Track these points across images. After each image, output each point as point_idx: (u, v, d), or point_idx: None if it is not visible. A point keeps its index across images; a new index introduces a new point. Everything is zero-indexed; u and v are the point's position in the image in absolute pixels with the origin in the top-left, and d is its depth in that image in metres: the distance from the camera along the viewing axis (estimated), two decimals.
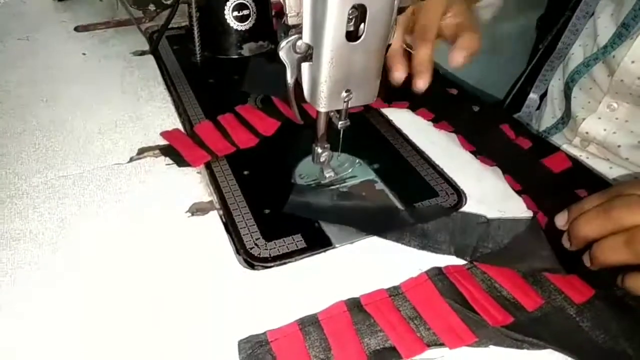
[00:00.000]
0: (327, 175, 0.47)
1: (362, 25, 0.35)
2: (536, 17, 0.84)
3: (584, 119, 0.58)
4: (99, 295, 0.36)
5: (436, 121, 0.56)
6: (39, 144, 0.51)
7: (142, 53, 0.69)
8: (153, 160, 0.49)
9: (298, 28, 0.36)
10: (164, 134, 0.52)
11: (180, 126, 0.54)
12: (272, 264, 0.39)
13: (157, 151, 0.50)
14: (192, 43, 0.67)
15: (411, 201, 0.45)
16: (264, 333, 0.33)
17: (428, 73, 0.50)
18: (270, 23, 0.71)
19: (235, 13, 0.66)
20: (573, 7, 0.62)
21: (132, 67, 0.65)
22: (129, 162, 0.49)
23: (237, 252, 0.40)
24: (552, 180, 0.47)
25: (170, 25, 0.69)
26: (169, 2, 0.66)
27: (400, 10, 0.40)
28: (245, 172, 0.48)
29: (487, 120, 0.55)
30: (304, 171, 0.48)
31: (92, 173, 0.47)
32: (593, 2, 0.59)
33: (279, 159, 0.51)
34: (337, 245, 0.41)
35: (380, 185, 0.47)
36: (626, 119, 0.54)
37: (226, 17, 0.66)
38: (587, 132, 0.58)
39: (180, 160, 0.48)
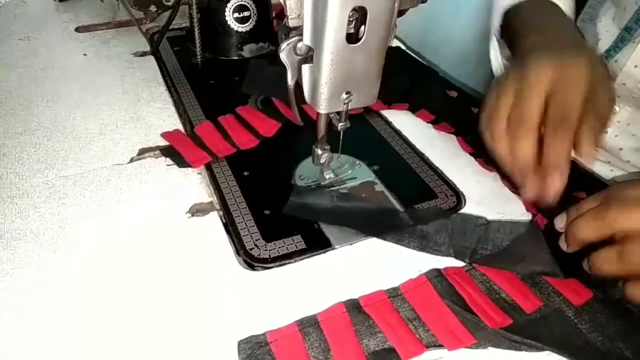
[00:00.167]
0: (327, 177, 0.47)
1: (362, 28, 0.35)
2: None
3: None
4: (99, 295, 0.36)
5: (436, 123, 0.56)
6: (40, 144, 0.51)
7: (143, 54, 0.69)
8: (153, 161, 0.49)
9: (299, 30, 0.36)
10: (165, 135, 0.52)
11: (180, 127, 0.54)
12: (272, 265, 0.39)
13: (157, 152, 0.50)
14: (192, 44, 0.67)
15: (410, 203, 0.45)
16: (264, 334, 0.33)
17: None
18: (270, 25, 0.71)
19: (236, 14, 0.66)
20: (577, 12, 0.62)
21: (132, 67, 0.65)
22: (129, 162, 0.49)
23: (237, 252, 0.40)
24: None
25: (171, 27, 0.69)
26: (169, 3, 0.66)
27: (400, 13, 0.40)
28: (246, 173, 0.48)
29: None
30: (304, 172, 0.48)
31: (93, 173, 0.47)
32: (597, 6, 0.59)
33: (279, 160, 0.51)
34: (336, 247, 0.41)
35: (379, 187, 0.47)
36: (628, 122, 0.54)
37: (227, 18, 0.66)
38: None
39: (180, 161, 0.48)
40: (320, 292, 0.37)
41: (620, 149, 0.56)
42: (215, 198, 0.45)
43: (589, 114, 0.40)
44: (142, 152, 0.50)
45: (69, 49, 0.70)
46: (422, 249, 0.40)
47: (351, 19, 0.35)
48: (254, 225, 0.42)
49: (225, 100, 0.59)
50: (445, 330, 0.34)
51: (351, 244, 0.41)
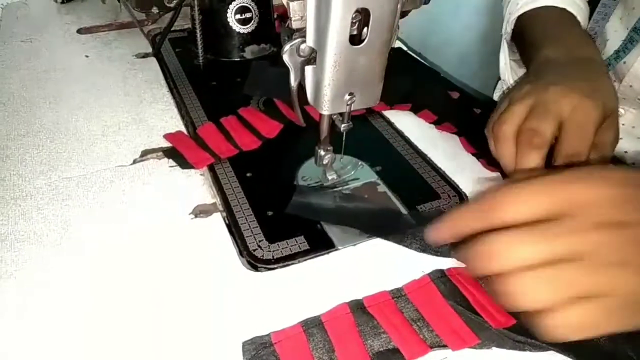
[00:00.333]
0: (330, 178, 0.47)
1: (365, 29, 0.35)
2: None
3: None
4: (102, 296, 0.36)
5: (438, 123, 0.56)
6: (43, 146, 0.51)
7: (145, 55, 0.69)
8: (156, 162, 0.49)
9: (302, 31, 0.36)
10: (167, 136, 0.52)
11: (183, 128, 0.54)
12: (275, 266, 0.39)
13: (160, 153, 0.50)
14: (194, 46, 0.67)
15: (413, 203, 0.45)
16: (268, 335, 0.34)
17: None
18: (272, 26, 0.71)
19: (238, 16, 0.66)
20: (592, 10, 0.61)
21: (135, 69, 0.66)
22: (132, 164, 0.49)
23: (241, 254, 0.40)
24: None
25: (172, 28, 0.69)
26: (171, 5, 0.66)
27: (403, 14, 0.40)
28: (248, 174, 0.48)
29: None
30: (307, 173, 0.48)
31: (96, 175, 0.47)
32: (611, 4, 0.58)
33: (281, 161, 0.51)
34: (339, 247, 0.41)
35: (382, 188, 0.47)
36: (633, 125, 0.54)
37: (228, 19, 0.66)
38: None
39: (183, 163, 0.49)
40: (323, 293, 0.37)
41: (625, 152, 0.56)
42: (218, 199, 0.45)
43: (595, 153, 0.43)
44: (145, 153, 0.50)
45: (71, 50, 0.70)
46: (423, 250, 0.40)
47: (354, 21, 0.35)
48: (257, 226, 0.42)
49: (227, 101, 0.60)
50: (449, 331, 0.34)
51: (354, 245, 0.41)
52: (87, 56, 0.69)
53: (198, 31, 0.66)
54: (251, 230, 0.42)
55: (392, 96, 0.58)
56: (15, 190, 0.45)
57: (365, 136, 0.54)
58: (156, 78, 0.64)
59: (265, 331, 0.34)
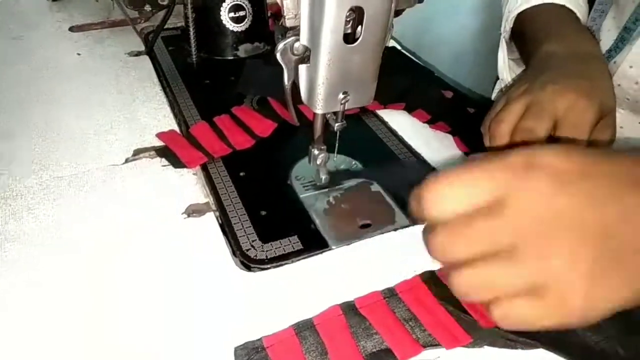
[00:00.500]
0: (323, 177, 0.46)
1: (359, 28, 0.35)
2: None
3: None
4: (94, 296, 0.36)
5: (432, 123, 0.56)
6: (34, 145, 0.50)
7: (138, 54, 0.68)
8: (149, 162, 0.49)
9: (295, 30, 0.36)
10: (160, 135, 0.52)
11: (176, 127, 0.54)
12: (268, 266, 0.39)
13: (152, 152, 0.50)
14: (187, 44, 0.67)
15: (406, 203, 0.45)
16: (260, 339, 0.33)
17: None
18: (266, 24, 0.71)
19: (231, 14, 0.66)
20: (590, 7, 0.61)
21: (127, 67, 0.65)
22: (124, 163, 0.48)
23: (234, 253, 0.40)
24: None
25: (165, 26, 0.69)
26: (164, 3, 0.66)
27: (397, 13, 0.40)
28: (242, 174, 0.48)
29: None
30: (300, 173, 0.48)
31: (88, 174, 0.47)
32: (607, 1, 0.58)
33: (275, 160, 0.51)
34: (333, 247, 0.41)
35: (376, 187, 0.47)
36: (621, 125, 0.54)
37: (222, 18, 0.66)
38: None
39: (176, 162, 0.48)
40: (317, 293, 0.37)
41: None
42: (211, 199, 0.45)
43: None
44: (137, 152, 0.50)
45: (63, 48, 0.69)
46: None
47: (348, 19, 0.34)
48: (250, 226, 0.42)
49: (220, 100, 0.59)
50: (442, 330, 0.34)
51: (348, 245, 0.41)
52: (79, 54, 0.68)
53: (191, 29, 0.65)
54: (244, 230, 0.42)
55: (386, 95, 0.58)
56: (6, 189, 0.45)
57: (359, 135, 0.54)
58: (149, 76, 0.63)
59: (258, 332, 0.34)
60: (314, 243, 0.41)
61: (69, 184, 0.46)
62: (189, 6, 0.64)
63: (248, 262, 0.39)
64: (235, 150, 0.50)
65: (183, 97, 0.59)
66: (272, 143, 0.52)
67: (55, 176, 0.46)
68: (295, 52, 0.37)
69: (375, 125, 0.56)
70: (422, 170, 0.47)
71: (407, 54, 0.72)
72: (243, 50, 0.68)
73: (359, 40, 0.35)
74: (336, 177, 0.47)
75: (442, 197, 0.27)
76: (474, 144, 0.51)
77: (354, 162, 0.49)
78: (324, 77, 0.36)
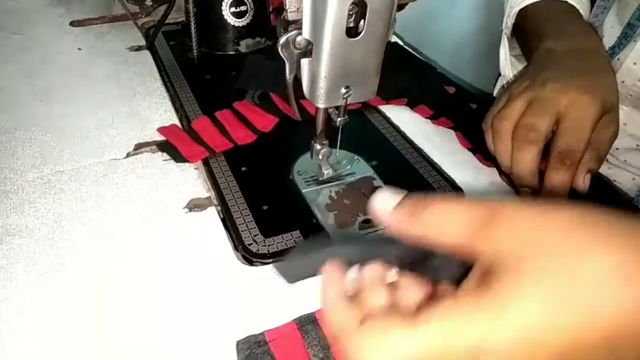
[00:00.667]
0: (326, 172, 0.46)
1: (362, 22, 0.35)
2: None
3: None
4: (95, 291, 0.36)
5: (434, 118, 0.56)
6: (35, 139, 0.50)
7: (139, 48, 0.68)
8: (150, 156, 0.49)
9: (298, 24, 0.36)
10: (161, 130, 0.51)
11: (177, 122, 0.54)
12: (270, 260, 0.39)
13: (154, 147, 0.50)
14: (188, 39, 0.67)
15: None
16: (262, 333, 0.33)
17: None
18: (267, 19, 0.70)
19: (233, 9, 0.65)
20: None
21: (128, 62, 0.65)
22: (125, 157, 0.48)
23: (235, 248, 0.40)
24: None
25: (166, 21, 0.68)
26: None
27: (400, 7, 0.40)
28: (243, 169, 0.48)
29: None
30: (302, 168, 0.48)
31: (89, 168, 0.47)
32: None
33: (277, 155, 0.51)
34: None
35: (378, 182, 0.47)
36: (624, 122, 0.54)
37: (223, 12, 0.65)
38: None
39: (177, 156, 0.48)
40: (319, 287, 0.36)
41: (617, 148, 0.56)
42: (213, 193, 0.45)
43: (591, 151, 0.43)
44: (139, 147, 0.50)
45: (64, 43, 0.69)
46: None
47: (351, 13, 0.34)
48: (252, 221, 0.42)
49: (221, 95, 0.59)
50: None
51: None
52: (79, 49, 0.68)
53: (192, 24, 0.65)
54: (246, 225, 0.42)
55: (388, 91, 0.57)
56: (7, 183, 0.45)
57: (361, 131, 0.54)
58: (150, 71, 0.63)
59: (260, 325, 0.34)
60: (316, 238, 0.41)
61: (70, 178, 0.46)
62: (190, 1, 0.64)
63: (250, 257, 0.39)
64: (236, 145, 0.50)
65: (184, 91, 0.59)
66: (274, 138, 0.52)
67: (57, 170, 0.46)
68: (298, 46, 0.37)
69: (378, 120, 0.56)
70: None
71: (409, 49, 0.71)
72: (244, 45, 0.68)
73: (361, 34, 0.35)
74: (338, 172, 0.47)
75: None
76: (476, 139, 0.51)
77: (356, 157, 0.49)
78: (327, 71, 0.36)
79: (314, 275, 0.28)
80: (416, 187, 0.46)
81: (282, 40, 0.37)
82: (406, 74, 0.62)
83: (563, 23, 0.52)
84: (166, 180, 0.46)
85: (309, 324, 0.34)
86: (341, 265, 0.27)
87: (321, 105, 0.38)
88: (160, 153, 0.49)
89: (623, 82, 0.52)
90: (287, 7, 0.36)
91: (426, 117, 0.56)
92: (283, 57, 0.37)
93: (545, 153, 0.43)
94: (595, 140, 0.44)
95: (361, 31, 0.35)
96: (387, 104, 0.58)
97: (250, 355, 0.32)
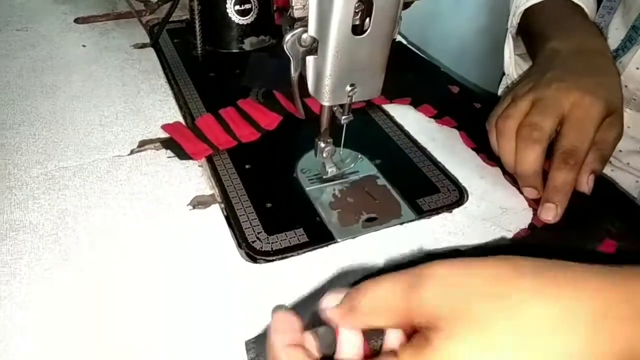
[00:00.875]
0: (329, 170, 0.46)
1: (367, 20, 0.35)
2: None
3: None
4: (98, 287, 0.36)
5: (438, 117, 0.56)
6: (39, 135, 0.50)
7: (143, 46, 0.68)
8: (154, 153, 0.49)
9: (303, 21, 0.36)
10: (165, 127, 0.51)
11: (181, 119, 0.54)
12: (274, 258, 0.39)
13: (158, 144, 0.50)
14: (193, 37, 0.67)
15: (413, 197, 0.45)
16: None
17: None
18: (271, 18, 0.70)
19: (237, 7, 0.65)
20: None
21: (132, 59, 0.65)
22: (129, 154, 0.48)
23: (239, 245, 0.40)
24: None
25: (171, 19, 0.69)
26: None
27: (406, 6, 0.40)
28: (247, 166, 0.48)
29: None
30: (306, 166, 0.48)
31: (93, 165, 0.47)
32: None
33: (281, 153, 0.51)
34: (339, 240, 0.41)
35: (382, 181, 0.47)
36: (628, 125, 0.54)
37: (228, 10, 0.65)
38: None
39: (181, 153, 0.48)
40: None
41: (620, 150, 0.56)
42: (217, 190, 0.45)
43: (595, 152, 0.43)
44: (143, 144, 0.50)
45: (68, 40, 0.69)
46: None
47: (357, 10, 0.34)
48: (255, 218, 0.42)
49: (225, 93, 0.59)
50: None
51: (353, 238, 0.41)
52: (84, 46, 0.68)
53: (197, 22, 0.65)
54: (250, 222, 0.42)
55: (392, 90, 0.57)
56: (11, 179, 0.45)
57: (364, 129, 0.54)
58: (154, 69, 0.63)
59: (264, 323, 0.34)
60: (320, 236, 0.41)
61: (74, 174, 0.46)
62: None
63: (254, 254, 0.39)
64: (240, 142, 0.50)
65: (188, 89, 0.59)
66: (278, 136, 0.52)
67: (61, 166, 0.46)
68: (303, 43, 0.37)
69: (381, 119, 0.56)
70: None
71: (412, 48, 0.71)
72: (248, 43, 0.68)
73: (367, 32, 0.35)
74: (342, 170, 0.47)
75: None
76: (480, 139, 0.51)
77: (360, 156, 0.49)
78: (332, 68, 0.36)
79: None
80: (419, 187, 0.46)
81: (288, 37, 0.36)
82: (410, 73, 0.62)
83: (568, 23, 0.52)
84: (170, 177, 0.46)
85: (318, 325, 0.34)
86: (291, 317, 0.27)
87: (326, 103, 0.38)
88: (164, 150, 0.49)
89: (626, 86, 0.52)
90: (293, 5, 0.36)
91: (430, 117, 0.56)
92: (288, 54, 0.37)
93: (550, 154, 0.43)
94: (599, 140, 0.43)
95: (367, 29, 0.35)
96: (391, 103, 0.58)
97: (261, 355, 0.32)
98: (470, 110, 0.57)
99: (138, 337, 0.33)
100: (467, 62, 1.11)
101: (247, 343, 0.32)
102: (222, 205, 0.43)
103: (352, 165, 0.48)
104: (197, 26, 0.65)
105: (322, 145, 0.44)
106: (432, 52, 0.75)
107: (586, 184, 0.43)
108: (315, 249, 0.40)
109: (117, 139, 0.50)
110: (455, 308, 0.22)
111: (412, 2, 0.41)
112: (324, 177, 0.46)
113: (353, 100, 0.39)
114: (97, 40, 0.69)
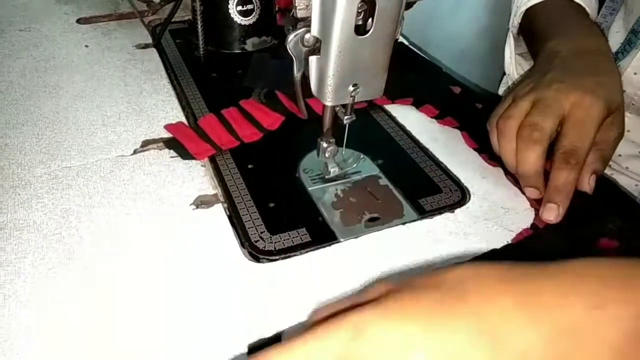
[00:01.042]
0: (332, 170, 0.46)
1: (370, 20, 0.35)
2: None
3: None
4: (102, 286, 0.36)
5: (440, 118, 0.56)
6: (42, 135, 0.50)
7: (145, 46, 0.68)
8: (157, 153, 0.49)
9: (306, 21, 0.36)
10: (168, 127, 0.52)
11: (183, 119, 0.54)
12: (276, 257, 0.39)
13: (161, 144, 0.50)
14: (195, 37, 0.67)
15: (415, 197, 0.45)
16: (278, 336, 0.33)
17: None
18: (274, 18, 0.70)
19: (239, 7, 0.65)
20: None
21: (135, 60, 0.65)
22: (132, 154, 0.49)
23: (242, 245, 0.40)
24: None
25: (173, 19, 0.69)
26: None
27: (408, 6, 0.40)
28: (250, 166, 0.48)
29: None
30: (309, 166, 0.48)
31: (96, 164, 0.47)
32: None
33: (283, 153, 0.51)
34: (341, 240, 0.41)
35: (384, 181, 0.47)
36: (628, 129, 0.54)
37: (230, 11, 0.65)
38: None
39: (184, 153, 0.48)
40: (325, 285, 0.37)
41: (619, 155, 0.56)
42: (220, 190, 0.45)
43: (596, 152, 0.43)
44: (146, 144, 0.50)
45: (71, 40, 0.69)
46: None
47: (360, 11, 0.34)
48: (258, 218, 0.42)
49: (228, 93, 0.59)
50: None
51: (356, 237, 0.41)
52: (86, 46, 0.68)
53: (199, 22, 0.65)
54: (253, 222, 0.42)
55: (394, 90, 0.57)
56: (15, 178, 0.45)
57: (366, 130, 0.54)
58: (156, 69, 0.63)
59: (268, 323, 0.34)
60: (322, 235, 0.41)
61: (78, 174, 0.46)
62: None
63: (256, 254, 0.39)
64: (243, 142, 0.50)
65: (191, 89, 0.59)
66: (280, 136, 0.52)
67: (64, 166, 0.47)
68: (306, 43, 0.37)
69: (383, 119, 0.56)
70: None
71: (414, 49, 0.71)
72: (250, 44, 0.68)
73: (370, 32, 0.35)
74: (344, 171, 0.47)
75: None
76: (481, 139, 0.51)
77: (362, 156, 0.49)
78: (335, 68, 0.36)
79: None
80: (422, 187, 0.46)
81: (291, 37, 0.37)
82: (412, 73, 0.62)
83: (569, 23, 0.52)
84: (173, 177, 0.46)
85: None
86: None
87: (329, 103, 0.39)
88: (167, 150, 0.49)
89: (625, 91, 0.52)
90: (296, 5, 0.36)
91: (432, 117, 0.56)
92: (291, 54, 0.37)
93: (551, 154, 0.43)
94: (599, 141, 0.44)
95: (370, 29, 0.35)
96: (393, 103, 0.58)
97: None
98: (472, 110, 0.57)
99: (141, 336, 0.33)
100: (469, 63, 1.11)
101: (250, 346, 0.32)
102: (225, 205, 0.44)
103: (354, 166, 0.48)
104: (199, 27, 0.66)
105: (325, 145, 0.45)
106: (434, 53, 0.75)
107: (587, 184, 0.43)
108: (317, 248, 0.40)
109: (120, 139, 0.50)
110: None
111: (414, 2, 0.42)
112: (327, 177, 0.47)
113: (355, 101, 0.39)
114: (100, 41, 0.70)
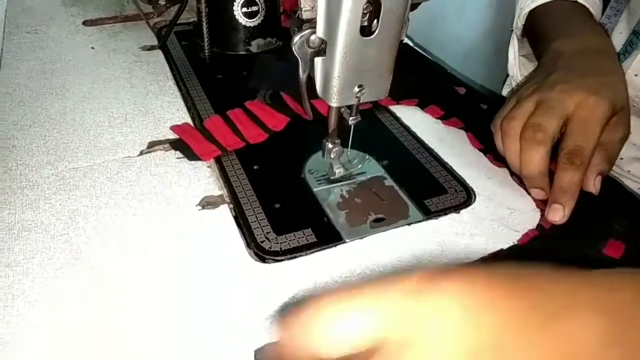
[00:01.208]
0: (337, 171, 0.47)
1: (375, 21, 0.35)
2: None
3: None
4: (109, 286, 0.36)
5: (445, 118, 0.56)
6: (49, 136, 0.51)
7: (151, 48, 0.69)
8: (163, 154, 0.49)
9: (312, 22, 0.36)
10: (174, 128, 0.52)
11: (189, 121, 0.54)
12: (282, 258, 0.39)
13: (167, 145, 0.50)
14: (200, 39, 0.67)
15: (420, 197, 0.45)
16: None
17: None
18: (278, 20, 0.71)
19: (244, 9, 0.66)
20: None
21: (140, 61, 0.65)
22: (139, 155, 0.49)
23: (248, 245, 0.40)
24: None
25: (178, 21, 0.69)
26: None
27: (413, 7, 0.40)
28: (255, 167, 0.48)
29: None
30: (314, 167, 0.48)
31: (103, 165, 0.47)
32: (622, 0, 0.58)
33: (288, 154, 0.51)
34: (347, 241, 0.41)
35: (389, 182, 0.47)
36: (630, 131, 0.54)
37: (235, 13, 0.66)
38: None
39: (190, 154, 0.49)
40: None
41: (621, 158, 0.56)
42: (226, 191, 0.45)
43: (601, 152, 0.43)
44: (152, 145, 0.50)
45: (77, 42, 0.70)
46: None
47: (365, 12, 0.34)
48: (264, 219, 0.42)
49: (233, 94, 0.59)
50: None
51: (361, 238, 0.41)
52: (92, 48, 0.68)
53: (204, 24, 0.66)
54: (258, 222, 0.42)
55: (399, 91, 0.57)
56: (22, 179, 0.45)
57: (372, 131, 0.54)
58: (162, 70, 0.64)
59: (273, 324, 0.34)
60: (328, 236, 0.41)
61: (85, 175, 0.46)
62: (202, 1, 0.64)
63: (262, 254, 0.39)
64: (248, 144, 0.51)
65: (196, 91, 0.60)
66: (286, 137, 0.52)
67: (71, 167, 0.47)
68: (312, 44, 0.37)
69: (388, 120, 0.56)
70: None
71: (419, 50, 0.72)
72: (255, 46, 0.69)
73: (375, 34, 0.35)
74: (349, 171, 0.47)
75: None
76: (486, 140, 0.51)
77: (367, 157, 0.49)
78: (340, 70, 0.36)
79: None
80: (427, 187, 0.46)
81: (296, 39, 0.37)
82: (417, 74, 0.62)
83: (572, 24, 0.52)
84: (179, 178, 0.46)
85: None
86: None
87: (334, 104, 0.39)
88: (173, 151, 0.49)
89: None
90: (301, 6, 0.36)
91: (437, 118, 0.56)
92: (297, 55, 0.38)
93: (556, 155, 0.43)
94: (604, 141, 0.43)
95: (375, 30, 0.35)
96: (398, 104, 0.58)
97: None
98: (477, 111, 0.57)
99: (147, 336, 0.33)
100: (474, 64, 1.11)
101: (256, 352, 0.32)
102: (231, 206, 0.44)
103: (359, 166, 0.48)
104: (204, 28, 0.66)
105: (330, 146, 0.45)
106: (438, 54, 0.75)
107: (593, 186, 0.43)
108: (323, 249, 0.40)
109: (127, 140, 0.51)
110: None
111: (419, 3, 0.42)
112: (332, 177, 0.47)
113: (361, 102, 0.39)
114: (106, 43, 0.70)
